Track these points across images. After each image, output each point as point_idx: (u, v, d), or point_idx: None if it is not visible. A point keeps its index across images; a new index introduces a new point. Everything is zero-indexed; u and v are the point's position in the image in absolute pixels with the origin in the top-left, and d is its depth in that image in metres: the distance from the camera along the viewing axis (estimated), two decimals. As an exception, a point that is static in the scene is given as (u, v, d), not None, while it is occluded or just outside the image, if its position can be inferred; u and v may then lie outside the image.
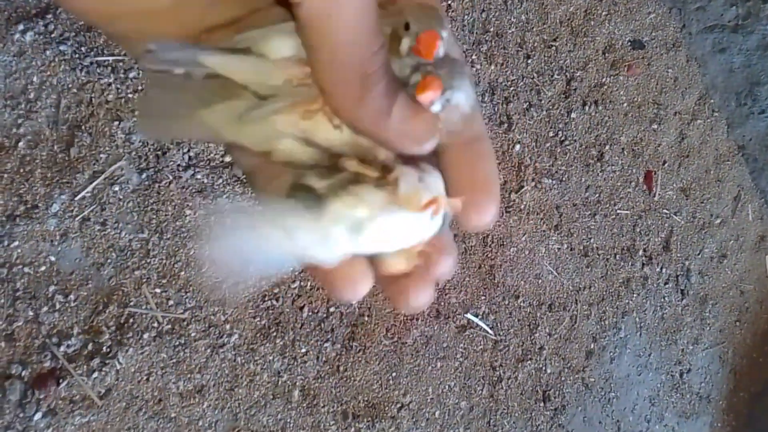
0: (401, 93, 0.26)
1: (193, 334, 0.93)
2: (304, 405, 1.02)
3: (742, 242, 1.81)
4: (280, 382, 1.01)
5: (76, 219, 0.84)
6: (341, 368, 1.07)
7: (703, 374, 1.71)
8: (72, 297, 0.84)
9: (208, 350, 0.94)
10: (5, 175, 0.80)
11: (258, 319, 0.99)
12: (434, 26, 0.27)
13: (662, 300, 1.60)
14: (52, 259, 0.83)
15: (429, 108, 0.26)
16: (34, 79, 0.83)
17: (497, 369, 1.28)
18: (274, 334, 1.01)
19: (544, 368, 1.36)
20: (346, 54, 0.25)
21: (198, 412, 0.93)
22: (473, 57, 1.29)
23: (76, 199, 0.84)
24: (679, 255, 1.63)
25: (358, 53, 0.25)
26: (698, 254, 1.69)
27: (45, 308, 0.81)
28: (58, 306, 0.82)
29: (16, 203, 0.81)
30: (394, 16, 0.27)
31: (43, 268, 0.82)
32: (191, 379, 0.92)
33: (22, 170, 0.82)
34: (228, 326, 0.96)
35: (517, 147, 1.33)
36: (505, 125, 1.33)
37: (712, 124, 1.70)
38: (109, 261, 0.87)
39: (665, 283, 1.61)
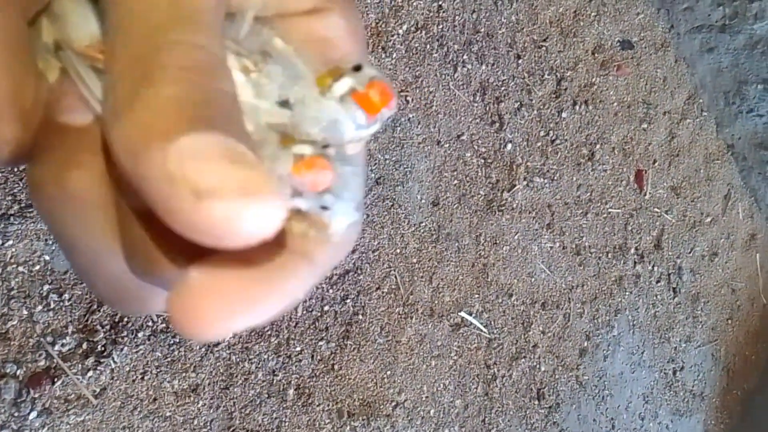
0: (226, 133, 0.14)
1: (187, 333, 0.93)
2: (299, 404, 1.03)
3: (733, 240, 1.83)
4: (275, 381, 1.01)
5: (71, 218, 0.85)
6: (336, 367, 1.08)
7: (696, 372, 1.72)
8: (66, 296, 0.84)
9: (203, 349, 0.95)
10: (-1, 175, 0.81)
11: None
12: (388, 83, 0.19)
13: (654, 298, 1.62)
14: (47, 258, 0.83)
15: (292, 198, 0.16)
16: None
17: (491, 367, 1.29)
18: (269, 332, 1.01)
19: (538, 366, 1.36)
20: (131, 29, 0.16)
21: (193, 411, 0.93)
22: (464, 57, 1.30)
23: (70, 198, 0.85)
24: (670, 253, 1.65)
25: (146, 34, 0.15)
26: (689, 252, 1.70)
27: (39, 307, 0.82)
28: (52, 305, 0.83)
29: (10, 202, 0.81)
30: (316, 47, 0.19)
31: (37, 267, 0.82)
32: (186, 378, 0.93)
33: (16, 169, 0.82)
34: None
35: (509, 146, 1.34)
36: (497, 125, 1.34)
37: (701, 124, 1.72)
38: (103, 260, 0.87)
39: (657, 282, 1.63)
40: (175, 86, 0.14)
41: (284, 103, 0.19)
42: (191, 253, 0.16)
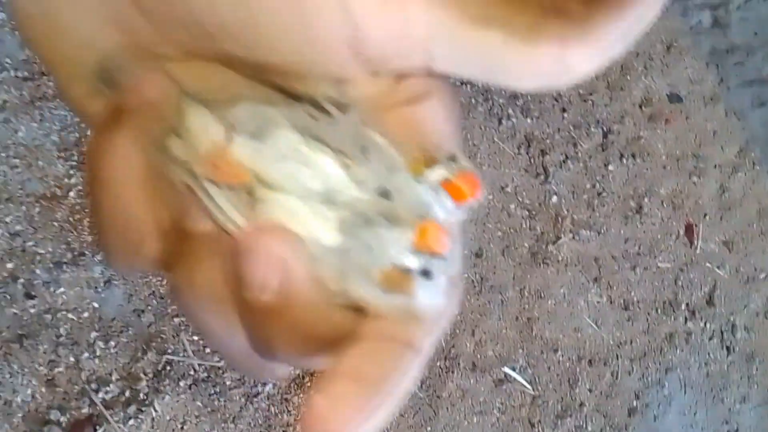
0: None
1: (228, 383, 0.93)
2: (338, 458, 1.01)
3: (790, 297, 1.76)
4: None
5: (120, 266, 0.87)
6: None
7: (753, 436, 1.64)
8: (112, 343, 0.85)
9: (243, 399, 0.94)
10: (55, 224, 0.84)
11: (292, 368, 0.99)
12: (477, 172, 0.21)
13: (707, 356, 1.56)
14: (96, 305, 0.85)
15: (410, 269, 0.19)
16: (88, 132, 0.87)
17: (536, 425, 1.25)
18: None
19: (584, 426, 1.32)
20: None
21: (231, 462, 0.92)
22: (509, 110, 1.31)
23: (121, 246, 0.87)
24: (723, 310, 1.59)
25: None
26: (743, 309, 1.65)
27: (86, 354, 0.83)
28: (98, 352, 0.84)
29: (64, 250, 0.84)
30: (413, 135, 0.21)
31: (86, 314, 0.84)
32: (225, 429, 0.92)
33: (71, 219, 0.85)
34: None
35: (554, 198, 1.33)
36: (542, 176, 1.33)
37: (753, 177, 1.68)
38: (149, 307, 0.88)
39: (710, 339, 1.57)
40: None
41: (384, 193, 0.21)
42: (302, 339, 0.19)
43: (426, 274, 0.21)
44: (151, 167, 0.20)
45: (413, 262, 0.21)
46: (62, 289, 0.82)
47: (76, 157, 0.86)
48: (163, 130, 0.21)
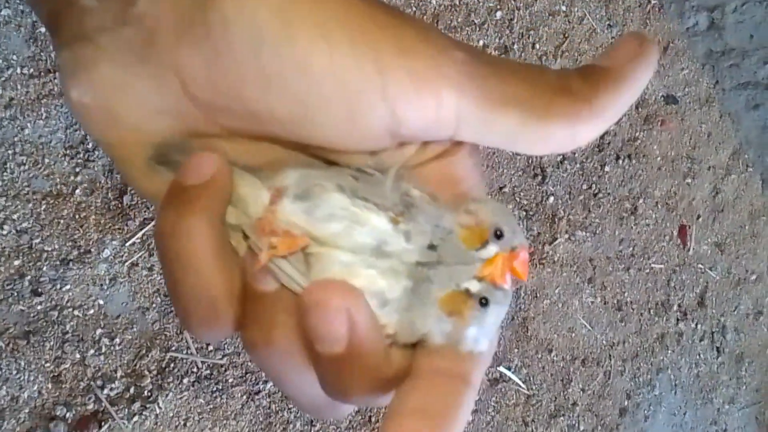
0: None
1: (230, 380, 0.94)
2: (337, 455, 1.02)
3: (779, 299, 1.78)
4: (313, 431, 1.01)
5: (126, 264, 0.87)
6: (373, 419, 1.07)
7: (741, 435, 1.66)
8: (117, 340, 0.86)
9: (244, 397, 0.95)
10: (61, 221, 0.84)
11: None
12: (524, 241, 0.24)
13: (697, 357, 1.57)
14: (101, 302, 0.85)
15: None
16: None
17: (529, 424, 1.27)
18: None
19: (577, 425, 1.33)
20: None
21: (232, 459, 0.93)
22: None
23: (127, 245, 0.87)
24: (714, 311, 1.61)
25: None
26: (734, 311, 1.66)
27: (91, 351, 0.83)
28: (104, 349, 0.84)
29: (70, 248, 0.84)
30: (468, 212, 0.24)
31: (91, 312, 0.84)
32: (227, 426, 0.93)
33: (77, 216, 0.85)
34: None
35: (551, 199, 1.34)
36: (539, 177, 1.34)
37: (746, 179, 1.70)
38: (153, 305, 0.89)
39: (700, 340, 1.59)
40: None
41: (431, 246, 0.23)
42: (370, 381, 0.22)
43: (484, 302, 0.23)
44: (218, 239, 0.22)
45: (474, 286, 0.23)
46: (68, 287, 0.82)
47: (81, 155, 0.86)
48: (223, 203, 0.23)
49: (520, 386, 1.25)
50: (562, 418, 1.31)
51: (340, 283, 0.22)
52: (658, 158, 1.54)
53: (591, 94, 0.22)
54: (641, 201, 1.49)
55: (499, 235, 0.24)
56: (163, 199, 0.23)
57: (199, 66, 0.22)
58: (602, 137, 1.46)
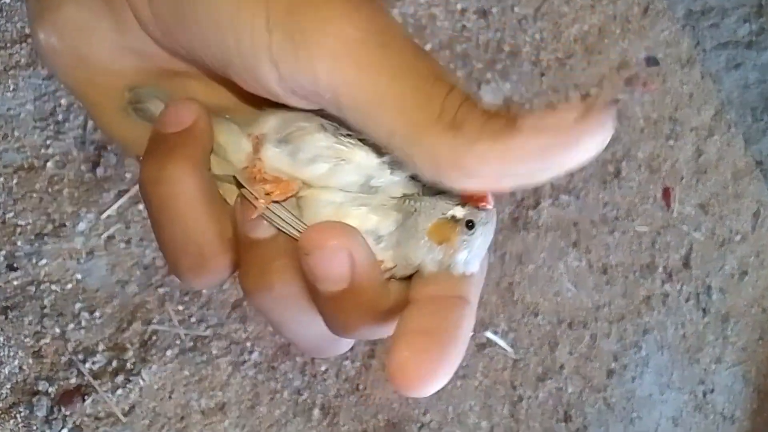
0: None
1: (214, 352, 0.94)
2: (324, 423, 1.02)
3: (763, 259, 1.79)
4: (300, 400, 1.01)
5: (102, 237, 0.86)
6: (361, 386, 1.07)
7: (727, 393, 1.68)
8: (97, 314, 0.85)
9: (230, 367, 0.95)
10: (34, 195, 0.83)
11: (278, 336, 1.00)
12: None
13: (683, 318, 1.59)
14: (79, 276, 0.84)
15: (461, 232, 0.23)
16: (63, 101, 0.86)
17: (517, 388, 1.28)
18: (294, 351, 1.01)
19: (564, 387, 1.34)
20: (419, 108, 0.21)
21: (220, 429, 0.93)
22: (488, 75, 1.31)
23: (102, 217, 0.86)
24: (699, 272, 1.62)
25: (434, 102, 0.20)
26: (719, 271, 1.68)
27: (71, 325, 0.83)
28: (84, 323, 0.84)
29: (45, 222, 0.83)
30: None
31: (69, 286, 0.84)
32: (213, 397, 0.93)
33: (50, 189, 0.84)
34: (249, 343, 0.96)
35: (534, 164, 1.34)
36: (522, 142, 1.34)
37: (729, 140, 1.70)
38: (133, 278, 0.88)
39: (686, 301, 1.60)
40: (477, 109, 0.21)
41: (414, 176, 0.24)
42: (372, 315, 0.22)
43: (470, 224, 0.24)
44: (204, 186, 0.23)
45: (459, 212, 0.24)
46: (45, 261, 0.81)
47: (52, 127, 0.85)
48: (205, 150, 0.24)
49: (507, 350, 1.26)
50: (550, 380, 1.32)
51: (337, 224, 0.22)
52: (641, 120, 1.53)
53: (471, 140, 0.19)
54: (624, 163, 1.49)
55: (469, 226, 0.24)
56: (146, 149, 0.23)
57: (143, 5, 0.22)
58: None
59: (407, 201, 0.24)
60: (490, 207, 0.24)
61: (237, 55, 0.21)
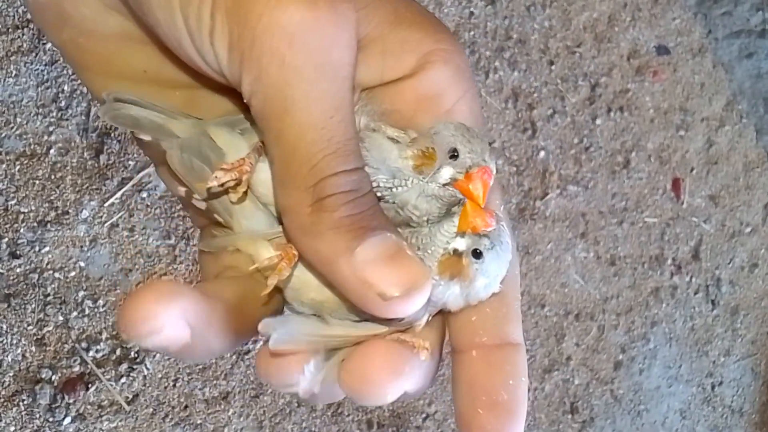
0: (382, 232, 0.21)
1: (219, 341, 0.93)
2: (329, 413, 1.02)
3: (774, 251, 1.78)
4: (305, 390, 1.00)
5: (105, 225, 0.86)
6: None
7: (735, 387, 1.67)
8: (101, 302, 0.85)
9: (234, 357, 0.95)
10: (37, 182, 0.82)
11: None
12: (488, 161, 0.23)
13: (692, 310, 1.58)
14: (82, 264, 0.84)
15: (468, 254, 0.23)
16: (65, 87, 0.85)
17: (524, 379, 1.27)
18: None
19: (571, 379, 1.34)
20: (297, 165, 0.20)
21: (224, 419, 0.93)
22: (496, 63, 1.29)
23: (105, 205, 0.86)
24: (708, 264, 1.61)
25: (312, 169, 0.20)
26: (729, 263, 1.66)
27: (75, 313, 0.83)
28: (87, 311, 0.84)
29: (47, 209, 0.82)
30: (426, 136, 0.23)
31: (72, 274, 0.83)
32: (217, 386, 0.93)
33: (53, 177, 0.83)
34: None
35: (542, 153, 1.33)
36: (529, 132, 1.32)
37: (740, 131, 1.68)
38: (136, 267, 0.88)
39: (695, 293, 1.59)
40: (344, 209, 0.19)
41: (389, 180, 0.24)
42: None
43: (477, 253, 0.23)
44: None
45: (460, 244, 0.23)
46: (47, 249, 0.81)
47: (55, 113, 0.84)
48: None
49: (513, 342, 1.25)
50: (556, 372, 1.31)
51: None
52: (651, 110, 1.51)
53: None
54: (634, 154, 1.47)
55: (454, 156, 0.23)
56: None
57: None
58: (593, 89, 1.43)
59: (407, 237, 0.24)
60: (492, 228, 0.23)
61: (185, 36, 0.21)
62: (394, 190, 0.23)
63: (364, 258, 0.20)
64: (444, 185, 0.23)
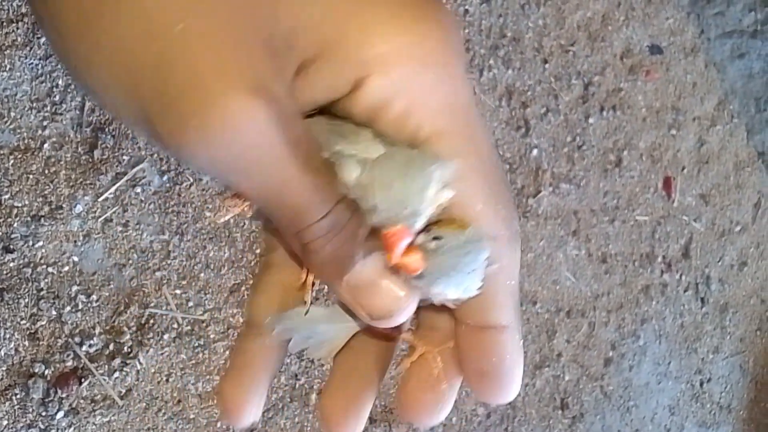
0: (362, 259, 0.23)
1: (212, 336, 0.93)
2: (322, 408, 1.02)
3: (763, 250, 1.79)
4: (297, 385, 1.01)
5: (99, 220, 0.85)
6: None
7: (724, 383, 1.68)
8: (94, 297, 0.85)
9: (227, 352, 0.95)
10: (30, 176, 0.82)
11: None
12: (408, 220, 0.22)
13: (682, 308, 1.59)
14: (75, 259, 0.84)
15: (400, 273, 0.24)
16: (60, 81, 0.85)
17: (515, 375, 1.28)
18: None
19: (562, 375, 1.34)
20: (279, 224, 0.23)
21: (217, 413, 0.93)
22: (490, 61, 1.29)
23: (99, 200, 0.86)
24: (698, 262, 1.62)
25: (289, 226, 0.22)
26: (718, 262, 1.67)
27: (68, 308, 0.83)
28: (80, 306, 0.84)
29: (41, 204, 0.82)
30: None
31: (66, 268, 0.83)
32: (210, 381, 0.93)
33: (46, 171, 0.83)
34: None
35: (535, 152, 1.33)
36: (522, 130, 1.33)
37: (731, 130, 1.69)
38: (130, 262, 0.88)
39: (685, 291, 1.60)
40: (328, 248, 0.22)
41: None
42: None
43: (419, 275, 0.24)
44: None
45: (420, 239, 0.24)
46: (41, 243, 0.81)
47: (49, 108, 0.84)
48: None
49: (505, 338, 1.26)
50: (547, 368, 1.32)
51: None
52: (643, 109, 1.52)
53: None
54: (626, 153, 1.48)
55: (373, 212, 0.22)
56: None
57: None
58: (586, 88, 1.44)
59: None
60: (419, 272, 0.23)
61: None
62: None
63: (353, 284, 0.23)
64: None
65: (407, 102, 0.22)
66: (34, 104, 0.83)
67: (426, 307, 0.26)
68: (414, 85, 0.22)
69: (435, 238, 0.23)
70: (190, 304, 0.92)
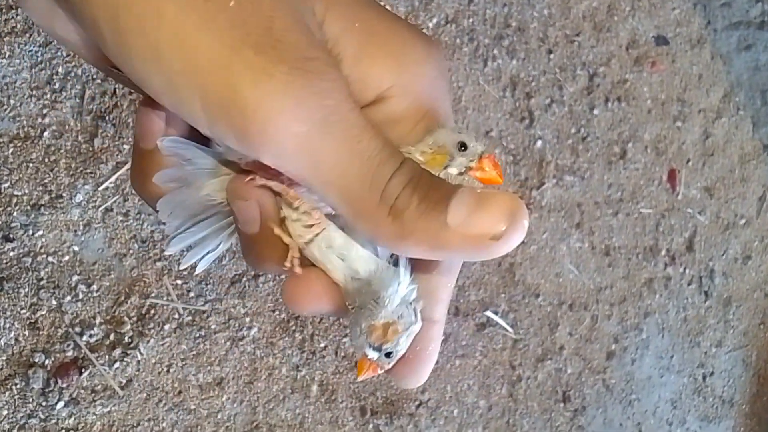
0: (452, 190, 0.23)
1: (213, 327, 0.93)
2: (323, 400, 1.02)
3: (767, 244, 1.78)
4: (298, 377, 1.00)
5: (100, 209, 0.85)
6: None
7: (727, 377, 1.68)
8: (95, 287, 0.84)
9: (228, 343, 0.94)
10: (30, 165, 0.81)
11: (277, 312, 0.99)
12: (491, 148, 0.27)
13: (685, 301, 1.58)
14: (76, 248, 0.83)
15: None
16: (60, 69, 0.84)
17: (517, 368, 1.27)
18: (293, 328, 1.01)
19: (564, 368, 1.34)
20: (358, 196, 0.23)
21: (217, 404, 0.93)
22: (495, 51, 1.28)
23: (100, 189, 0.85)
24: (702, 255, 1.61)
25: (370, 189, 0.22)
26: (722, 255, 1.66)
27: (68, 298, 0.82)
28: (81, 296, 0.83)
29: (41, 193, 0.82)
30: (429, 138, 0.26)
31: (66, 258, 0.83)
32: (211, 372, 0.93)
33: (46, 160, 0.82)
34: (248, 319, 0.96)
35: (539, 143, 1.32)
36: (527, 121, 1.32)
37: (737, 123, 1.67)
38: (131, 251, 0.87)
39: (688, 284, 1.59)
40: (415, 197, 0.22)
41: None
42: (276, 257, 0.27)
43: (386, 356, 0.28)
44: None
45: (373, 355, 0.28)
46: (41, 232, 0.80)
47: (49, 96, 0.83)
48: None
49: (507, 331, 1.26)
50: (549, 361, 1.32)
51: (252, 179, 0.26)
52: (648, 101, 1.51)
53: (405, 236, 0.22)
54: (630, 145, 1.47)
55: (463, 148, 0.26)
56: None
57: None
58: (591, 79, 1.43)
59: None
60: (391, 346, 0.28)
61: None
62: None
63: (458, 222, 0.21)
64: (459, 174, 0.26)
65: (416, 120, 0.27)
66: (34, 92, 0.82)
67: None
68: (420, 108, 0.27)
69: (386, 355, 0.28)
70: (191, 294, 0.92)
